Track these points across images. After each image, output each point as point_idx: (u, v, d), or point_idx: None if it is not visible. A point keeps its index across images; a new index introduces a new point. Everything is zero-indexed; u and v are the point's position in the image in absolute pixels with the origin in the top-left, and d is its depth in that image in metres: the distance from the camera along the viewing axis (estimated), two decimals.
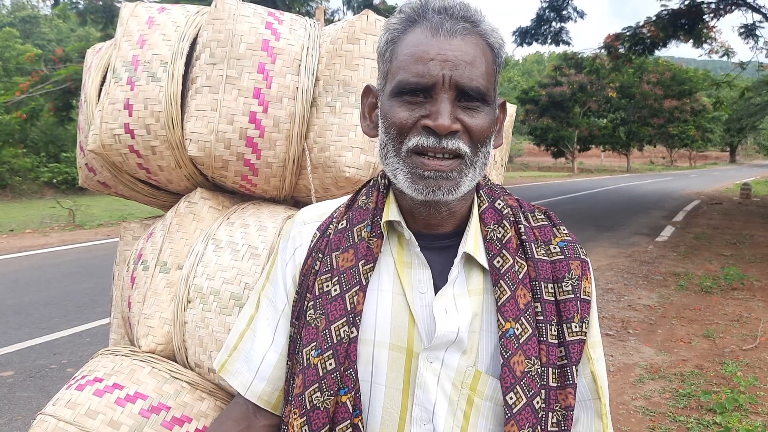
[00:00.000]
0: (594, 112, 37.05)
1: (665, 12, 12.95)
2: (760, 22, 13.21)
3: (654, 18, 13.14)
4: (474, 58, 0.79)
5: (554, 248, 0.88)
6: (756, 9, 12.94)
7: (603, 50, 14.53)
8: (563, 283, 0.85)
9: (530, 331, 0.82)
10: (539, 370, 0.81)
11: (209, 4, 1.35)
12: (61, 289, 6.21)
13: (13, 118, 12.59)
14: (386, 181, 0.90)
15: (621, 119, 36.86)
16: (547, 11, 14.24)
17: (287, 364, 0.91)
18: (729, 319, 5.37)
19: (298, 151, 1.33)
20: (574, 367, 0.83)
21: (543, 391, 0.81)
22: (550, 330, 0.83)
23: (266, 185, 1.38)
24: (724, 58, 14.09)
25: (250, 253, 1.25)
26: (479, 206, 0.89)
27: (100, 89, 1.41)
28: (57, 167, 17.95)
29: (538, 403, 0.80)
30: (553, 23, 14.38)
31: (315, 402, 0.81)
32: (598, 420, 0.87)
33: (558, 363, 0.83)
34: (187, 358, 1.26)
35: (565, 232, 0.91)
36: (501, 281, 0.83)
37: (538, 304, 0.84)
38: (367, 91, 0.91)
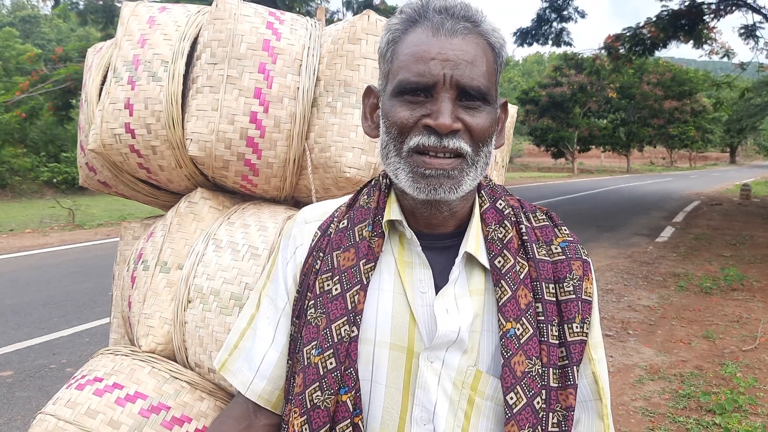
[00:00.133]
0: (594, 112, 37.06)
1: (665, 13, 12.96)
2: (761, 22, 13.22)
3: (654, 19, 13.15)
4: (475, 58, 0.79)
5: (555, 248, 0.88)
6: (756, 10, 12.95)
7: (603, 51, 14.53)
8: (564, 284, 0.85)
9: (531, 331, 0.82)
10: (540, 371, 0.81)
11: (210, 4, 1.35)
12: (61, 289, 6.21)
13: (13, 117, 12.59)
14: (388, 180, 0.90)
15: (621, 120, 36.88)
16: (547, 11, 14.24)
17: (288, 363, 0.91)
18: (729, 320, 5.37)
19: (299, 151, 1.33)
20: (575, 367, 0.83)
21: (543, 392, 0.81)
22: (551, 330, 0.83)
23: (267, 185, 1.38)
24: (725, 59, 14.10)
25: (251, 253, 1.25)
26: (480, 206, 0.89)
27: (101, 89, 1.41)
28: (57, 167, 17.95)
29: (538, 403, 0.80)
30: (554, 24, 14.38)
31: (315, 401, 0.81)
32: (599, 421, 0.87)
33: (559, 363, 0.83)
34: (187, 358, 1.26)
35: (567, 232, 0.91)
36: (502, 281, 0.83)
37: (539, 305, 0.84)
38: (369, 91, 0.91)
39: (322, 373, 0.82)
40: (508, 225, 0.87)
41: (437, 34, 0.79)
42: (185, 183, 1.43)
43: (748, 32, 13.27)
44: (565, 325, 0.84)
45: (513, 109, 1.52)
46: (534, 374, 0.80)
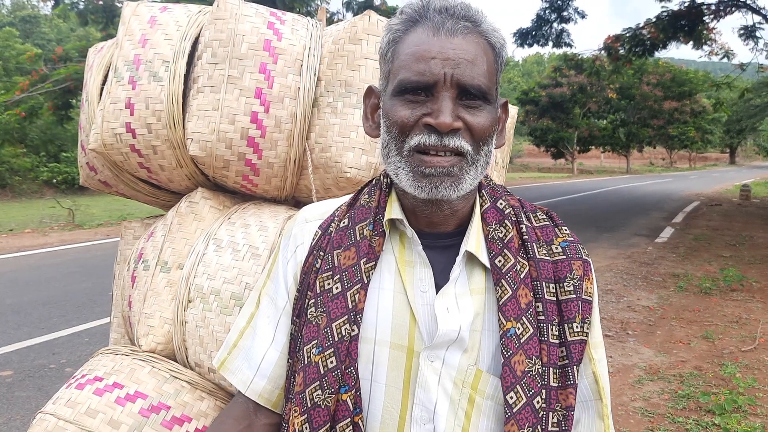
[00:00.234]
0: (594, 113, 37.08)
1: (665, 13, 12.97)
2: (760, 23, 13.23)
3: (654, 19, 13.15)
4: (475, 57, 0.79)
5: (556, 248, 0.88)
6: (756, 10, 12.96)
7: (603, 51, 14.53)
8: (565, 283, 0.86)
9: (531, 330, 0.82)
10: (540, 370, 0.81)
11: (211, 4, 1.35)
12: (60, 289, 6.21)
13: (13, 116, 12.59)
14: (388, 180, 0.91)
15: (621, 120, 36.89)
16: (547, 12, 14.24)
17: (288, 362, 0.91)
18: (728, 321, 5.38)
19: (300, 151, 1.33)
20: (575, 367, 0.83)
21: (543, 391, 0.81)
22: (551, 330, 0.83)
23: (267, 185, 1.38)
24: (724, 60, 14.10)
25: (251, 253, 1.25)
26: (481, 206, 0.89)
27: (102, 88, 1.41)
28: (57, 167, 17.94)
29: (538, 402, 0.80)
30: (554, 24, 14.38)
31: (316, 400, 0.81)
32: (600, 421, 0.87)
33: (559, 363, 0.83)
34: (187, 358, 1.26)
35: (567, 232, 0.91)
36: (502, 280, 0.83)
37: (540, 304, 0.84)
38: (370, 92, 0.91)
39: (322, 372, 0.82)
40: (509, 224, 0.88)
41: (438, 34, 0.79)
42: (186, 183, 1.43)
43: (748, 33, 13.28)
44: (566, 325, 0.84)
45: (513, 110, 1.53)
46: (534, 374, 0.81)
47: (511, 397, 0.79)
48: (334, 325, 0.83)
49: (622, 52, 13.97)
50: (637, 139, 37.72)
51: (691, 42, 13.46)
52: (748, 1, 12.92)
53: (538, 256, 0.86)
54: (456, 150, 0.79)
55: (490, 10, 0.94)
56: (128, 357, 1.25)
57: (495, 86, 0.83)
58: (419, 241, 0.86)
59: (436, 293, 0.84)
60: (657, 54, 14.79)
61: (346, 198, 0.97)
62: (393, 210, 0.88)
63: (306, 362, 0.84)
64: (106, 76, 1.42)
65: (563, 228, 0.92)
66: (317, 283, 0.87)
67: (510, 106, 1.02)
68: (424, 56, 0.79)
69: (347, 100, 1.29)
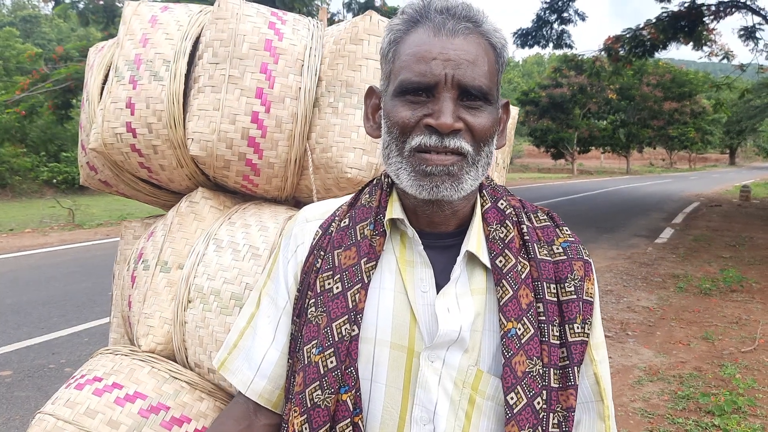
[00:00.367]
0: (594, 113, 37.08)
1: (665, 14, 12.97)
2: (760, 24, 13.23)
3: (654, 20, 13.16)
4: (476, 58, 0.79)
5: (557, 249, 0.88)
6: (756, 11, 12.97)
7: (603, 52, 14.53)
8: (566, 284, 0.85)
9: (532, 331, 0.82)
10: (541, 371, 0.81)
11: (212, 4, 1.35)
12: (60, 289, 6.20)
13: (13, 115, 12.59)
14: (389, 179, 0.90)
15: (621, 121, 36.90)
16: (546, 12, 14.24)
17: (288, 362, 0.91)
18: (728, 322, 5.38)
19: (300, 151, 1.33)
20: (575, 368, 0.83)
21: (544, 392, 0.81)
22: (552, 330, 0.83)
23: (268, 185, 1.38)
24: (724, 61, 14.11)
25: (251, 253, 1.25)
26: (482, 206, 0.89)
27: (103, 88, 1.41)
28: (57, 167, 17.94)
29: (539, 403, 0.80)
30: (554, 25, 14.38)
31: (316, 400, 0.81)
32: (600, 422, 0.87)
33: (560, 364, 0.83)
34: (186, 358, 1.26)
35: (568, 232, 0.91)
36: (503, 281, 0.83)
37: (540, 305, 0.84)
38: (371, 92, 0.91)
39: (322, 372, 0.82)
40: (510, 225, 0.88)
41: (439, 35, 0.79)
42: (186, 182, 1.43)
43: (748, 34, 13.29)
44: (566, 326, 0.84)
45: (514, 111, 1.53)
46: (535, 374, 0.80)
47: (512, 398, 0.79)
48: (334, 324, 0.83)
49: (622, 52, 13.97)
50: (637, 139, 37.73)
51: (691, 43, 13.46)
52: (748, 2, 12.93)
53: (539, 257, 0.86)
54: (457, 151, 0.79)
55: (491, 10, 0.94)
56: (128, 357, 1.25)
57: (496, 87, 0.83)
58: (420, 241, 0.86)
59: (437, 293, 0.84)
60: (657, 55, 14.80)
61: (347, 198, 0.97)
62: (394, 210, 0.88)
63: (306, 362, 0.84)
64: (106, 76, 1.42)
65: (564, 228, 0.92)
66: (318, 282, 0.87)
67: (510, 106, 1.02)
68: (425, 57, 0.78)
69: (348, 101, 1.29)
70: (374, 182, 0.94)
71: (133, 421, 1.14)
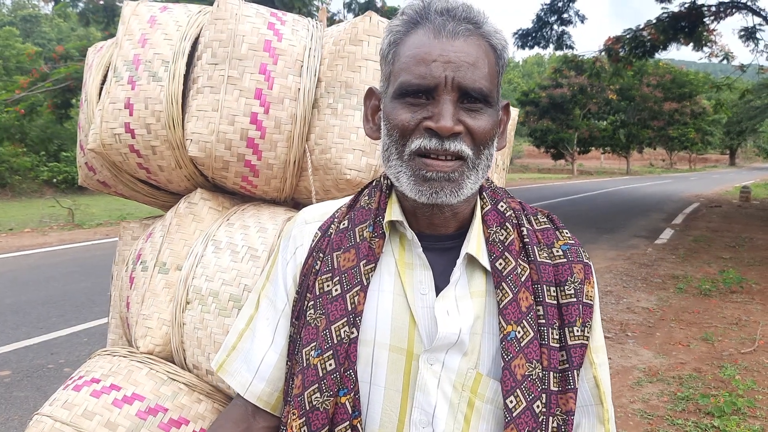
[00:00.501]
0: (594, 114, 37.09)
1: (665, 15, 12.97)
2: (760, 25, 13.24)
3: (654, 21, 13.16)
4: (477, 60, 0.79)
5: (557, 251, 0.88)
6: (756, 12, 12.97)
7: (603, 53, 14.53)
8: (566, 287, 0.85)
9: (532, 334, 0.81)
10: (540, 374, 0.81)
11: (211, 4, 1.35)
12: (59, 289, 6.20)
13: (12, 113, 12.58)
14: (389, 181, 0.90)
15: (621, 121, 36.92)
16: (546, 13, 14.24)
17: (287, 364, 0.91)
18: (727, 323, 5.37)
19: (299, 152, 1.32)
20: (575, 371, 0.82)
21: (544, 395, 0.80)
22: (552, 333, 0.83)
23: (267, 186, 1.37)
24: (725, 62, 14.11)
25: (250, 254, 1.25)
26: (482, 208, 0.89)
27: (101, 88, 1.41)
28: (56, 166, 17.94)
29: (538, 407, 0.80)
30: (554, 26, 14.37)
31: (314, 403, 0.81)
32: (600, 425, 0.87)
33: (559, 367, 0.82)
34: (185, 360, 1.26)
35: (568, 235, 0.91)
36: (503, 284, 0.83)
37: (540, 308, 0.83)
38: (370, 93, 0.90)
39: (321, 374, 0.82)
40: (510, 227, 0.87)
41: (439, 36, 0.79)
42: (185, 183, 1.42)
43: (748, 34, 13.29)
44: (566, 329, 0.83)
45: (514, 112, 1.52)
46: (534, 378, 0.80)
47: (511, 401, 0.79)
48: (333, 327, 0.83)
49: (622, 53, 13.97)
50: (637, 140, 37.75)
51: (691, 43, 13.47)
52: (749, 3, 12.93)
53: (539, 259, 0.86)
54: (457, 154, 0.79)
55: (491, 11, 0.93)
56: (126, 358, 1.24)
57: (496, 89, 0.83)
58: (419, 243, 0.85)
59: (436, 296, 0.84)
60: (657, 55, 14.80)
61: (346, 199, 0.97)
62: (393, 212, 0.87)
63: (305, 365, 0.83)
64: (105, 76, 1.42)
65: (564, 231, 0.91)
66: (317, 284, 0.86)
67: (510, 107, 1.01)
68: (425, 59, 0.78)
69: (347, 102, 1.28)
70: (373, 184, 0.94)
71: (131, 422, 1.13)
